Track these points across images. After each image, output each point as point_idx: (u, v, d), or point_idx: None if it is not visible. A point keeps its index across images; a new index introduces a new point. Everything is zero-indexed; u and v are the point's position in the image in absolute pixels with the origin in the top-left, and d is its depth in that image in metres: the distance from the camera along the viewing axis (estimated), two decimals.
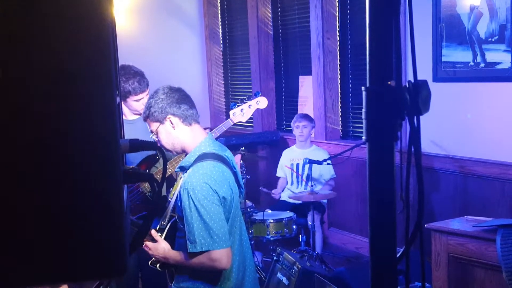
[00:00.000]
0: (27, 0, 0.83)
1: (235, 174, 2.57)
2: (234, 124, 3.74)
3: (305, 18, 6.19)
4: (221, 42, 7.73)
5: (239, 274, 2.55)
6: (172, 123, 2.52)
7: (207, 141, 2.55)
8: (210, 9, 7.65)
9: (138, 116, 3.49)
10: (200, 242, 2.35)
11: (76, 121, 0.86)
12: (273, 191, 5.61)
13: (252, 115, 3.90)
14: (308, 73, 6.18)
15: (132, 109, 3.51)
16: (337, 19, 5.85)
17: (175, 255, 2.53)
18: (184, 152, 2.59)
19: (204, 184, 2.36)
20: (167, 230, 2.61)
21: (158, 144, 2.57)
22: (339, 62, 5.91)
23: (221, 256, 2.38)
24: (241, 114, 3.58)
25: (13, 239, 0.86)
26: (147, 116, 2.55)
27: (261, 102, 3.64)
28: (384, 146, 0.99)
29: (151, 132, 2.58)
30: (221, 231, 2.37)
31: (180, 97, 2.55)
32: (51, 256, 0.88)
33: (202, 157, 2.47)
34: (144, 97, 3.47)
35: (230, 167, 2.53)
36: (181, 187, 2.46)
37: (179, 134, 2.53)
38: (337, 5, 5.83)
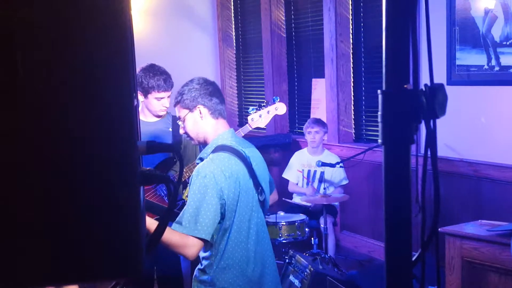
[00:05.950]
0: (50, 5, 0.84)
1: (252, 170, 2.58)
2: None
3: (318, 20, 6.19)
4: (234, 44, 7.74)
5: (256, 271, 2.55)
6: (201, 113, 2.58)
7: (226, 135, 2.60)
8: (224, 12, 7.66)
9: (158, 119, 3.55)
10: (185, 225, 2.38)
11: (94, 122, 0.87)
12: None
13: None
14: (321, 75, 6.17)
15: (152, 108, 3.55)
16: (351, 22, 5.84)
17: (151, 222, 2.27)
18: (205, 143, 2.64)
19: (210, 173, 2.42)
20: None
21: (183, 131, 2.65)
22: (352, 65, 5.90)
23: (193, 244, 2.40)
24: (260, 119, 3.56)
25: (27, 239, 0.87)
26: (178, 101, 2.62)
27: (280, 108, 3.61)
28: (400, 149, 0.99)
29: (178, 118, 2.65)
30: (206, 222, 2.39)
31: (213, 90, 2.63)
32: (66, 255, 0.88)
33: (218, 149, 2.53)
34: (165, 98, 3.55)
35: (246, 163, 2.55)
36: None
37: (205, 124, 2.60)
38: (350, 8, 5.82)
